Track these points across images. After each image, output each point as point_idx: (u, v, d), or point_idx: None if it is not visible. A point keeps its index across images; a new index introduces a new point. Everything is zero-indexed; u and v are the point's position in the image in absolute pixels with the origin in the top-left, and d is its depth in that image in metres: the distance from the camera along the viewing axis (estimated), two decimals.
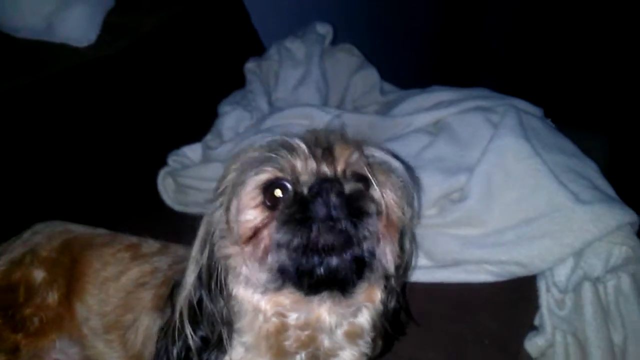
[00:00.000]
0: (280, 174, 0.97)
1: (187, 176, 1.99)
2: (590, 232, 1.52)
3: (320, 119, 1.98)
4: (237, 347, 1.04)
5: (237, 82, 2.48)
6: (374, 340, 1.11)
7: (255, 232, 0.95)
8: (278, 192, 0.96)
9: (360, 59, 2.58)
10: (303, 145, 0.98)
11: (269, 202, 0.96)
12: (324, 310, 1.01)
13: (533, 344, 1.64)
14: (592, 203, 1.57)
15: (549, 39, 5.28)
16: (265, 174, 0.97)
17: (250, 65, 2.48)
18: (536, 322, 1.70)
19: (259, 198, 0.96)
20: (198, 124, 2.29)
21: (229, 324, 1.02)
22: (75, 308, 1.33)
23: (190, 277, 1.00)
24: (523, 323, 1.59)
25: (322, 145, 0.98)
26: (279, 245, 0.92)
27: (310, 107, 2.08)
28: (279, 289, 0.97)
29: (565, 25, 5.19)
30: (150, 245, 1.39)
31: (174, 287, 1.05)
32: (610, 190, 1.72)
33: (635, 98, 4.52)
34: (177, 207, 2.03)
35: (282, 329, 1.02)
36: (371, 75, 2.48)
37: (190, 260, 1.02)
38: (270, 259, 0.93)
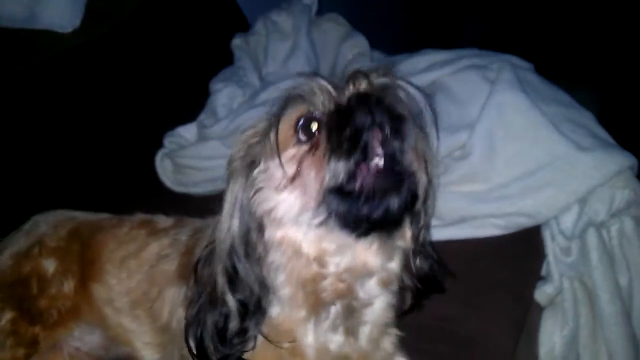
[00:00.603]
0: (310, 109, 0.96)
1: (185, 156, 1.98)
2: (593, 177, 1.55)
3: None
4: (274, 305, 1.04)
5: (225, 59, 2.45)
6: (402, 294, 1.13)
7: (301, 168, 0.94)
8: (313, 126, 0.95)
9: (347, 28, 2.56)
10: (324, 82, 0.98)
11: (305, 137, 0.95)
12: (371, 253, 1.01)
13: (542, 292, 1.68)
14: (593, 150, 1.60)
15: None
16: (296, 111, 0.96)
17: (237, 41, 2.45)
18: (543, 272, 1.74)
19: (294, 137, 0.96)
20: (190, 104, 2.26)
21: (266, 285, 1.01)
22: (93, 292, 1.33)
23: (223, 244, 0.99)
24: (533, 272, 1.63)
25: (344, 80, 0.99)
26: (332, 173, 0.92)
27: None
28: (328, 226, 0.96)
29: None
30: (165, 220, 1.39)
31: (201, 258, 1.04)
32: (608, 137, 1.75)
33: (621, 51, 4.55)
34: (178, 189, 2.02)
35: (320, 277, 1.02)
36: (360, 43, 2.46)
37: (219, 228, 1.00)
38: (322, 190, 0.93)
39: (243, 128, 1.09)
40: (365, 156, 0.91)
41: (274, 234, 1.00)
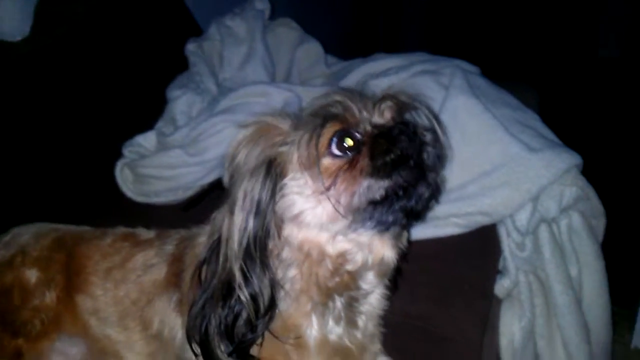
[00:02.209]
0: (346, 125, 1.01)
1: (146, 165, 1.95)
2: (544, 177, 1.65)
3: (277, 95, 1.99)
4: (285, 299, 1.06)
5: (179, 64, 2.42)
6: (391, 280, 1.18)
7: (335, 180, 0.99)
8: (347, 141, 1.01)
9: (300, 32, 2.59)
10: (361, 101, 1.05)
11: (339, 152, 1.00)
12: (387, 248, 1.07)
13: (500, 286, 1.78)
14: (543, 150, 1.70)
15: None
16: (332, 126, 1.01)
17: (191, 47, 2.42)
18: (500, 267, 1.84)
19: (326, 149, 1.01)
20: (146, 111, 2.22)
21: (277, 282, 1.04)
22: (78, 303, 1.30)
23: (238, 243, 1.00)
24: (492, 268, 1.72)
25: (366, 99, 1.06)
26: (371, 189, 0.99)
27: (264, 84, 2.08)
28: (356, 232, 1.02)
29: None
30: (147, 232, 1.38)
31: (205, 258, 1.05)
32: (553, 137, 1.86)
33: (557, 49, 4.78)
34: (139, 199, 1.99)
35: (334, 274, 1.06)
36: (314, 48, 2.50)
37: (230, 226, 1.00)
38: (357, 200, 0.99)
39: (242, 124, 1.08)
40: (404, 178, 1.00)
41: (295, 235, 1.03)
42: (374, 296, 1.16)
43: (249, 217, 0.99)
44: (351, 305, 1.12)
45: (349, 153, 1.01)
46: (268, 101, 1.97)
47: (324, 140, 1.00)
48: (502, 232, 1.79)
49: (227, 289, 1.01)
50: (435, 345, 1.35)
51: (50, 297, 1.29)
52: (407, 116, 1.11)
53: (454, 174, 1.73)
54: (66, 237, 1.39)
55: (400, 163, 0.99)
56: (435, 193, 1.05)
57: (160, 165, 1.93)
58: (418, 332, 1.35)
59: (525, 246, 1.75)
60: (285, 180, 1.02)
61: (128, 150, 2.02)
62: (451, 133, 1.76)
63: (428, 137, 1.05)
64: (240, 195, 1.00)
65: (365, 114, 1.04)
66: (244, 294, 1.00)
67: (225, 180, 1.07)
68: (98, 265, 1.31)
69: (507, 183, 1.65)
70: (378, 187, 0.99)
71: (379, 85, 1.98)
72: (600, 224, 1.83)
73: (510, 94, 2.01)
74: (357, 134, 1.02)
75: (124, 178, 1.99)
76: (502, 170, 1.66)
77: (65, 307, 1.30)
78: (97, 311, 1.29)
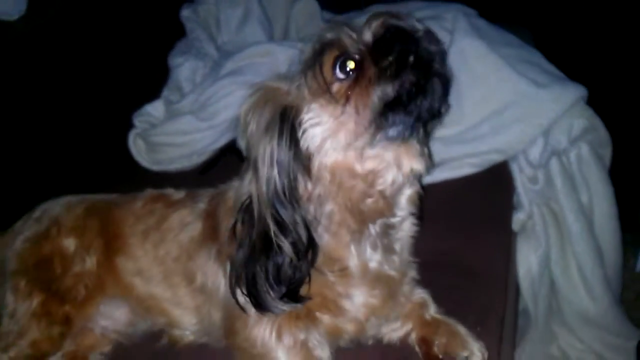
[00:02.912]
0: (343, 49, 1.04)
1: (158, 134, 1.97)
2: (554, 110, 1.70)
3: (281, 53, 1.99)
4: (323, 235, 1.11)
5: (177, 31, 2.41)
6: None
7: (350, 98, 1.03)
8: (350, 64, 1.04)
9: None
10: (341, 30, 1.06)
11: (343, 75, 1.04)
12: (414, 160, 1.10)
13: (515, 219, 1.84)
14: (550, 85, 1.74)
15: None
16: (330, 55, 1.04)
17: (186, 13, 2.40)
18: (514, 203, 1.91)
19: (333, 78, 1.04)
20: (150, 81, 2.23)
21: (312, 222, 1.08)
22: (119, 266, 1.35)
23: (266, 195, 1.03)
24: (507, 203, 1.78)
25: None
26: (384, 91, 1.02)
27: (267, 44, 2.09)
28: (381, 143, 1.06)
29: None
30: (176, 193, 1.42)
31: (239, 216, 1.08)
32: (557, 72, 1.90)
33: None
34: (155, 167, 2.02)
35: (366, 196, 1.10)
36: (310, 4, 2.48)
37: (256, 181, 1.04)
38: (374, 107, 1.03)
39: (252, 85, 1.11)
40: (413, 75, 1.03)
41: (325, 164, 1.07)
42: (406, 223, 1.20)
43: (273, 169, 1.03)
44: (387, 233, 1.17)
45: (352, 74, 1.04)
46: (272, 60, 1.99)
47: (327, 69, 1.04)
48: (514, 168, 1.85)
49: (266, 242, 1.05)
50: (464, 277, 1.42)
51: (90, 262, 1.34)
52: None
53: (466, 116, 1.77)
54: (97, 205, 1.43)
55: (403, 61, 1.02)
56: (446, 85, 1.08)
57: (172, 132, 1.96)
58: (446, 266, 1.41)
59: (538, 179, 1.81)
60: (302, 117, 1.06)
61: (138, 120, 2.03)
62: (460, 76, 1.80)
63: (420, 33, 1.07)
64: (260, 151, 1.04)
65: (356, 35, 1.06)
66: (282, 242, 1.04)
67: (242, 146, 1.10)
68: (134, 228, 1.35)
69: (519, 119, 1.69)
70: (390, 89, 1.02)
71: None
72: (607, 152, 1.89)
73: (512, 34, 2.03)
74: (355, 55, 1.05)
75: (138, 148, 2.01)
76: (513, 107, 1.71)
77: (107, 271, 1.35)
78: (141, 271, 1.34)
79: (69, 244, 1.34)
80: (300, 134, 1.05)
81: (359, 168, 1.08)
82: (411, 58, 1.02)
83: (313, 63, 1.05)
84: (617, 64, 2.91)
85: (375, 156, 1.08)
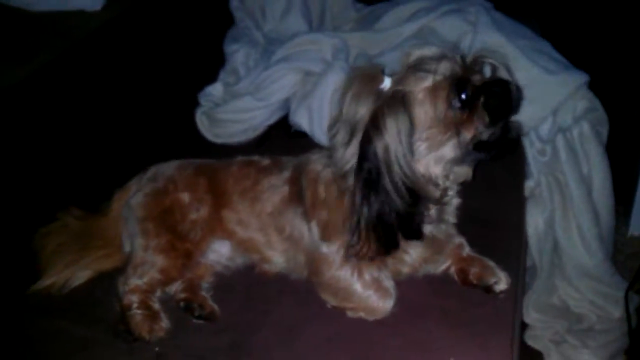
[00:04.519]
0: (461, 83, 1.33)
1: (222, 112, 2.27)
2: (561, 94, 2.02)
3: (326, 42, 2.28)
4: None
5: (225, 21, 2.70)
6: None
7: (457, 129, 1.34)
8: (462, 97, 1.33)
9: None
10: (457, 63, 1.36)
11: (458, 104, 1.33)
12: (470, 171, 1.49)
13: (526, 186, 2.18)
14: (558, 72, 2.06)
15: None
16: (451, 83, 1.33)
17: (234, 3, 2.68)
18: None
19: (447, 101, 1.34)
20: (205, 65, 2.53)
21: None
22: (224, 216, 1.65)
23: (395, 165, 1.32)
24: (520, 171, 2.11)
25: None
26: (483, 134, 1.35)
27: (313, 33, 2.39)
28: (465, 162, 1.43)
29: None
30: (262, 159, 1.71)
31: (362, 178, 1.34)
32: (564, 60, 2.22)
33: None
34: (217, 140, 2.32)
35: (438, 189, 1.45)
36: None
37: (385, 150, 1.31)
38: (470, 143, 1.36)
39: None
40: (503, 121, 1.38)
41: (420, 168, 1.38)
42: (454, 200, 1.56)
43: (400, 144, 1.31)
44: (441, 209, 1.53)
45: (464, 108, 1.33)
46: (319, 48, 2.28)
47: (446, 95, 1.32)
48: (526, 143, 2.18)
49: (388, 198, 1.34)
50: (487, 229, 1.76)
51: (203, 211, 1.64)
52: (497, 73, 1.43)
53: None
54: (203, 167, 1.73)
55: (501, 112, 1.36)
56: (517, 137, 1.44)
57: (234, 110, 2.26)
58: (473, 219, 1.71)
59: (546, 152, 2.14)
60: (417, 130, 1.34)
61: (204, 100, 2.33)
62: (478, 48, 2.10)
63: (514, 89, 1.37)
64: (388, 126, 1.31)
65: (470, 74, 1.36)
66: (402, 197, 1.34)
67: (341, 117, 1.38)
68: (234, 187, 1.65)
69: (532, 101, 2.00)
70: (486, 134, 1.35)
71: (413, 27, 2.32)
72: (604, 130, 2.22)
73: (525, 26, 2.34)
74: (469, 93, 1.33)
75: (203, 123, 2.32)
76: (527, 91, 1.99)
77: (215, 219, 1.65)
78: (241, 221, 1.65)
79: (185, 197, 1.64)
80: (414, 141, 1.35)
81: (440, 179, 1.43)
82: (508, 106, 1.34)
83: (438, 90, 1.32)
84: (615, 52, 3.22)
85: (454, 171, 1.43)
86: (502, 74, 1.44)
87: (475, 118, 1.34)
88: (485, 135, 1.35)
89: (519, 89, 1.41)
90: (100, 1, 2.19)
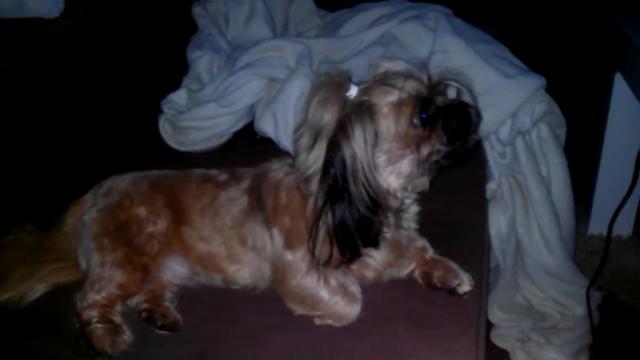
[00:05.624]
0: (422, 102, 1.37)
1: (186, 119, 2.25)
2: (520, 97, 2.07)
3: (290, 48, 2.29)
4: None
5: (188, 27, 2.68)
6: None
7: (416, 146, 1.38)
8: (423, 116, 1.37)
9: None
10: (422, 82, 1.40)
11: (419, 122, 1.37)
12: (427, 182, 1.52)
13: (487, 188, 2.23)
14: (517, 76, 2.11)
15: None
16: (415, 103, 1.36)
17: (197, 10, 2.67)
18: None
19: (410, 119, 1.38)
20: (167, 72, 2.51)
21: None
22: (184, 233, 1.63)
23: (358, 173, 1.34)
24: (482, 174, 2.15)
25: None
26: (440, 152, 1.41)
27: (277, 40, 2.38)
28: (420, 175, 1.45)
29: None
30: (220, 173, 1.69)
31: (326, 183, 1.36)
32: (521, 64, 2.27)
33: None
34: (181, 148, 2.30)
35: (396, 199, 1.49)
36: (306, 1, 2.79)
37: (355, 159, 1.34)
38: (429, 160, 1.41)
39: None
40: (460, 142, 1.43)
41: (379, 179, 1.41)
42: (412, 207, 1.60)
43: (363, 151, 1.34)
44: (398, 216, 1.56)
45: (423, 125, 1.38)
46: (283, 54, 2.28)
47: (409, 113, 1.36)
48: (486, 145, 2.22)
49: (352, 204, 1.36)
50: (450, 230, 1.79)
51: (161, 225, 1.61)
52: (461, 96, 1.50)
53: None
54: (159, 181, 1.69)
55: (460, 132, 1.41)
56: (471, 149, 1.49)
57: (198, 117, 2.24)
58: (435, 222, 1.74)
59: (506, 154, 2.19)
60: (378, 142, 1.37)
61: (167, 107, 2.31)
62: (444, 69, 2.15)
63: (473, 113, 1.43)
64: (354, 133, 1.33)
65: (434, 94, 1.40)
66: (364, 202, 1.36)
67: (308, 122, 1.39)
68: (193, 206, 1.63)
69: (491, 105, 2.05)
70: (443, 151, 1.40)
71: (375, 34, 2.35)
72: (562, 132, 2.29)
73: (483, 31, 2.39)
74: (430, 113, 1.38)
75: (166, 131, 2.29)
76: (487, 95, 2.06)
77: (173, 235, 1.63)
78: (203, 238, 1.62)
79: (141, 211, 1.61)
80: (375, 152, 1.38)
81: (399, 193, 1.48)
82: (466, 130, 1.40)
83: (400, 107, 1.36)
84: (571, 55, 3.33)
85: (412, 182, 1.47)
86: (465, 97, 1.50)
87: (434, 136, 1.39)
88: (441, 153, 1.41)
89: (478, 114, 1.48)
90: (58, 7, 2.15)
